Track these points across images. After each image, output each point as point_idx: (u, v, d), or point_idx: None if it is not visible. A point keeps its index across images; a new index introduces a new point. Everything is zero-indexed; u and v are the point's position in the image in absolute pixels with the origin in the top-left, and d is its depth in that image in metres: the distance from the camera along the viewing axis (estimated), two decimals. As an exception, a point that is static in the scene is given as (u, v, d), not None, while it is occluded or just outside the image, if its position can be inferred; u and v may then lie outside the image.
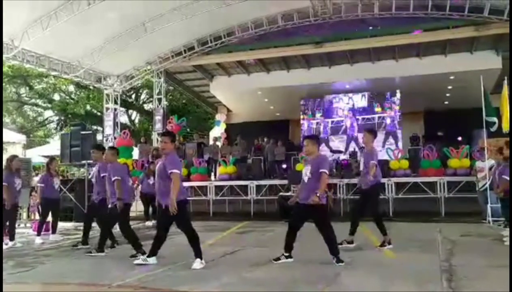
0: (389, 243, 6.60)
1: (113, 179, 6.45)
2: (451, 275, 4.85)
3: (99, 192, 7.18)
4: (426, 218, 10.60)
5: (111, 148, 7.43)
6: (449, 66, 15.66)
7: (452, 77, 16.33)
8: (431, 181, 11.73)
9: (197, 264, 5.38)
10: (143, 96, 29.90)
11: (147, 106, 29.32)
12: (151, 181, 11.14)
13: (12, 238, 8.13)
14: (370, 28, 15.58)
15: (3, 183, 8.14)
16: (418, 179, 12.02)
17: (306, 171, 5.67)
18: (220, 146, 17.42)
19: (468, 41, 14.91)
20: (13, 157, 8.50)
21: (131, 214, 13.38)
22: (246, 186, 13.11)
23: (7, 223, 8.18)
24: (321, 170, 5.53)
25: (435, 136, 16.01)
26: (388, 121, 18.02)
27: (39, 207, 10.65)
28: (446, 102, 19.20)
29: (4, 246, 7.86)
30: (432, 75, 15.91)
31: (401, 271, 5.14)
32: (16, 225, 8.76)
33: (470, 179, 11.08)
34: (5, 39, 12.90)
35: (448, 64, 15.67)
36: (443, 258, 5.82)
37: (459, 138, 14.09)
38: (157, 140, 17.84)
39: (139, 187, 11.89)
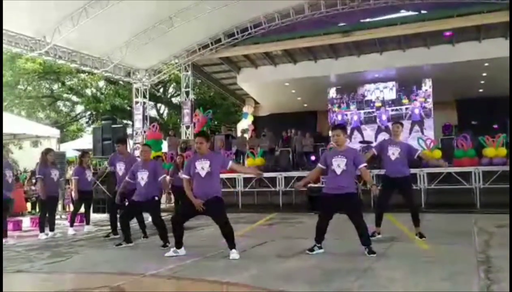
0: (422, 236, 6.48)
1: (161, 177, 6.73)
2: (489, 266, 4.69)
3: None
4: (461, 209, 10.31)
5: (148, 145, 7.52)
6: (483, 53, 15.11)
7: (487, 64, 15.77)
8: (466, 171, 11.39)
9: (234, 254, 5.42)
10: (170, 90, 30.22)
11: (175, 100, 29.63)
12: (181, 174, 11.31)
13: (51, 228, 8.39)
14: (402, 11, 15.24)
15: (38, 176, 8.42)
16: (452, 169, 11.67)
17: (338, 163, 5.55)
18: (247, 138, 17.44)
19: (503, 26, 14.29)
20: (48, 150, 8.74)
21: (161, 206, 13.61)
22: (274, 178, 13.08)
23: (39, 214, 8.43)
24: (362, 166, 5.60)
25: (469, 125, 15.55)
26: (416, 111, 17.90)
27: (73, 198, 10.96)
28: (481, 90, 18.58)
29: (43, 236, 8.15)
30: (465, 62, 15.41)
31: (436, 263, 5.00)
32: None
33: (507, 169, 10.68)
34: (37, 36, 13.27)
35: (482, 50, 15.11)
36: (480, 250, 5.64)
37: (495, 127, 13.61)
38: (186, 133, 18.04)
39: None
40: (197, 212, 5.58)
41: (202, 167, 5.56)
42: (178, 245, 5.71)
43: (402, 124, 7.01)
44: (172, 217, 5.79)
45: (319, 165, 5.92)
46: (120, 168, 7.50)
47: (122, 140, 8.04)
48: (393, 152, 6.53)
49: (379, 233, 6.62)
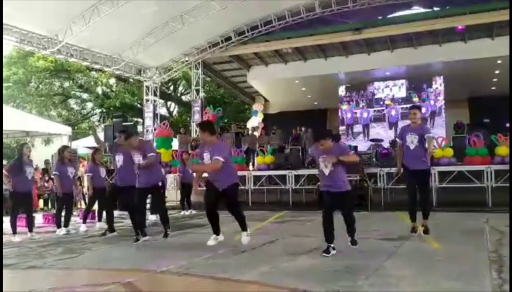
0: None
1: (149, 155, 6.65)
2: (501, 266, 4.64)
3: (126, 178, 7.16)
4: (472, 208, 10.21)
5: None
6: (496, 50, 14.97)
7: (499, 61, 15.60)
8: (478, 169, 11.28)
9: (244, 237, 5.86)
10: (180, 88, 30.34)
11: (185, 98, 29.74)
12: (189, 170, 11.43)
13: (66, 224, 8.47)
14: (413, 8, 15.16)
15: (55, 173, 8.51)
16: (464, 168, 11.56)
17: (326, 164, 5.51)
18: (257, 136, 17.45)
19: (517, 23, 14.16)
20: (64, 147, 8.82)
21: (171, 203, 13.72)
22: (284, 175, 13.07)
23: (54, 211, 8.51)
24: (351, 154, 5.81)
25: (481, 123, 15.37)
26: (423, 110, 17.79)
27: (85, 195, 11.05)
28: (493, 88, 18.38)
29: (62, 231, 8.27)
30: (478, 59, 15.26)
31: (447, 262, 4.97)
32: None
33: (520, 168, 10.55)
34: (49, 34, 13.40)
35: (495, 47, 14.98)
36: (492, 249, 5.58)
37: (508, 125, 13.41)
38: (196, 131, 18.09)
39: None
40: (217, 196, 5.81)
41: (208, 159, 5.82)
42: (216, 232, 5.95)
43: (419, 108, 6.60)
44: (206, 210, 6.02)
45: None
46: (119, 159, 7.30)
47: (123, 131, 7.94)
48: (412, 140, 6.23)
49: (415, 230, 6.43)
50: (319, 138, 5.71)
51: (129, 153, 6.97)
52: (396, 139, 6.76)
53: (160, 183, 6.75)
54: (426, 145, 6.22)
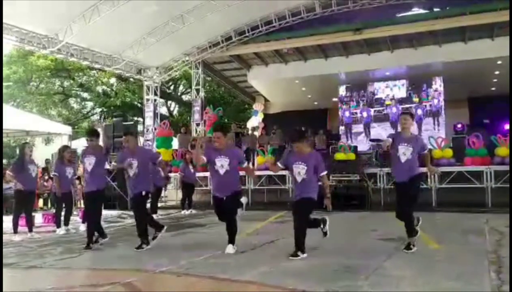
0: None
1: (158, 160, 6.59)
2: (500, 267, 4.65)
3: (93, 183, 6.58)
4: (472, 209, 10.22)
5: (131, 134, 6.68)
6: (496, 50, 14.96)
7: (499, 62, 15.59)
8: (477, 170, 11.29)
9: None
10: (181, 87, 30.31)
11: (185, 97, 29.72)
12: (191, 169, 11.49)
13: (66, 223, 8.49)
14: (414, 9, 15.16)
15: (54, 173, 8.52)
16: (463, 168, 11.59)
17: (299, 171, 5.37)
18: (258, 136, 17.45)
19: (517, 23, 14.15)
20: (65, 147, 8.83)
21: (172, 202, 13.72)
22: (284, 175, 13.07)
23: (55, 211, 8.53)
24: (323, 174, 5.46)
25: (480, 123, 15.39)
26: (419, 111, 17.74)
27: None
28: (493, 88, 18.38)
29: (62, 231, 8.28)
30: (478, 60, 15.26)
31: (446, 262, 4.98)
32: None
33: (520, 168, 10.57)
34: (49, 33, 13.40)
35: (495, 48, 14.97)
36: (491, 250, 5.59)
37: (507, 126, 13.45)
38: (196, 130, 18.09)
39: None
40: (221, 208, 5.75)
41: (222, 164, 5.59)
42: (232, 242, 5.71)
43: (411, 115, 5.95)
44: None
45: (279, 164, 5.79)
46: (90, 162, 6.51)
47: (92, 132, 6.88)
48: (404, 152, 5.57)
49: (413, 245, 5.57)
50: (294, 140, 5.51)
51: (100, 157, 6.53)
52: (387, 138, 5.92)
53: (143, 192, 6.22)
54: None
